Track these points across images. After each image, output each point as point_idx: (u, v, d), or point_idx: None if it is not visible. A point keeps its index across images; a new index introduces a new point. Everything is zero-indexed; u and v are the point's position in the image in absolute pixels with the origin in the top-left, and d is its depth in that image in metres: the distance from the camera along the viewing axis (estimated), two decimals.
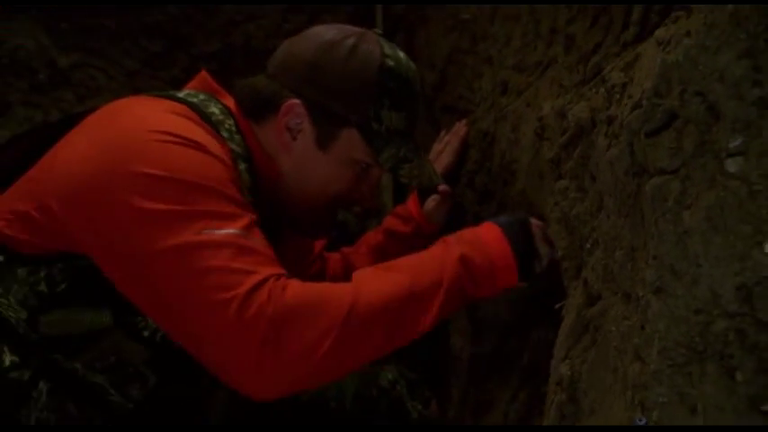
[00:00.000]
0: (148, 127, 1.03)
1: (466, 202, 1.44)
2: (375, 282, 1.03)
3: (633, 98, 0.78)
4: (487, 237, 1.09)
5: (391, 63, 1.17)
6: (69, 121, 1.13)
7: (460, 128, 1.49)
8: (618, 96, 0.83)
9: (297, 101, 1.15)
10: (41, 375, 1.06)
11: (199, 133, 1.06)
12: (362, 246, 1.53)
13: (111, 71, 1.91)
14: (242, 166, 1.12)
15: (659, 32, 0.76)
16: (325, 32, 1.20)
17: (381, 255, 1.45)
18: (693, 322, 0.68)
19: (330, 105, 1.16)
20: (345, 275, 1.35)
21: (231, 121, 1.14)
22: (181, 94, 1.14)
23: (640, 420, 0.73)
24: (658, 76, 0.73)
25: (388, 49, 1.19)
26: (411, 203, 1.49)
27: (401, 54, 1.21)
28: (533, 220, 1.10)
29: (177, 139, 1.02)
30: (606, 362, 0.83)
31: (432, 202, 1.45)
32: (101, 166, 1.01)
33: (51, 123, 1.22)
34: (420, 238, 1.44)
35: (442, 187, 1.44)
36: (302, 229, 1.27)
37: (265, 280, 0.97)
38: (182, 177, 0.99)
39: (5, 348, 1.04)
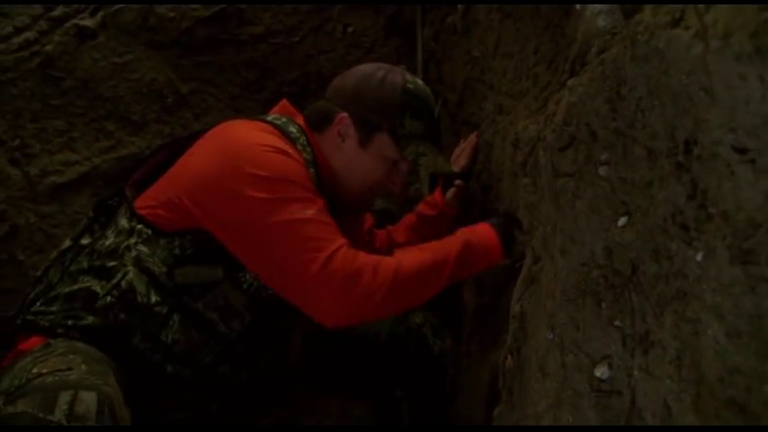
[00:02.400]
0: (250, 141, 1.23)
1: (474, 193, 1.58)
2: (410, 257, 1.24)
3: (554, 124, 0.97)
4: (484, 230, 1.30)
5: (411, 86, 1.38)
6: (194, 136, 1.34)
7: (473, 138, 1.62)
8: (549, 122, 1.01)
9: (345, 114, 1.36)
10: (175, 310, 1.24)
11: (283, 145, 1.26)
12: (401, 225, 1.68)
13: (219, 95, 2.04)
14: (311, 170, 1.30)
15: (570, 81, 0.94)
16: (364, 68, 1.41)
17: (414, 231, 1.63)
18: (580, 272, 0.87)
19: (368, 117, 1.36)
20: (389, 246, 1.56)
21: (304, 138, 1.34)
22: (269, 118, 1.35)
23: (549, 335, 0.95)
24: (565, 111, 0.93)
25: (408, 77, 1.40)
26: (436, 194, 1.65)
27: (419, 80, 1.42)
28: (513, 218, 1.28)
29: (270, 149, 1.22)
30: (540, 301, 1.02)
31: (450, 193, 1.61)
32: (220, 169, 1.21)
33: (182, 137, 1.42)
34: (442, 219, 1.61)
35: (458, 182, 1.59)
36: (351, 209, 1.44)
37: (340, 247, 1.18)
38: (277, 175, 1.19)
39: (152, 291, 1.22)
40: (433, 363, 1.53)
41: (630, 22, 0.77)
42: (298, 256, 1.16)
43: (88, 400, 1.02)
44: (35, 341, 1.19)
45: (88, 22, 1.93)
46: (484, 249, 1.27)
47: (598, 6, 0.87)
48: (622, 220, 0.81)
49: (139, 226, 1.25)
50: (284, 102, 1.45)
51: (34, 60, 1.91)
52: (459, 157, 1.65)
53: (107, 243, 1.27)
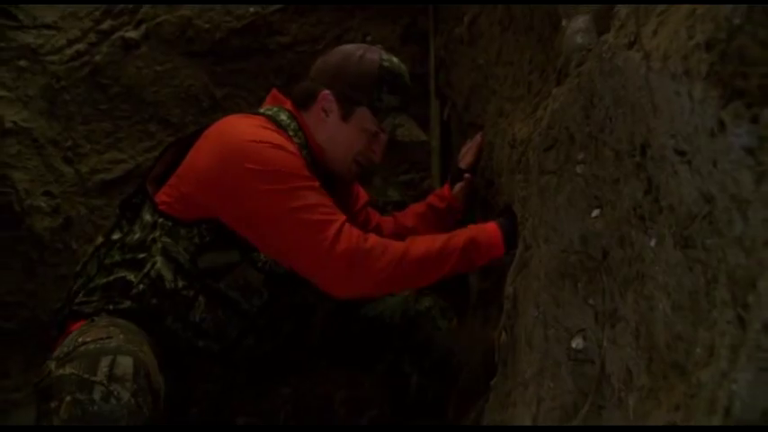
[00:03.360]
0: (247, 138, 1.29)
1: (479, 187, 1.63)
2: (419, 243, 1.30)
3: (541, 127, 1.04)
4: (491, 229, 1.34)
5: (387, 64, 1.43)
6: (199, 132, 1.40)
7: (478, 138, 1.66)
8: (538, 125, 1.08)
9: (328, 92, 1.42)
10: (200, 293, 1.32)
11: (277, 137, 1.32)
12: (409, 212, 1.72)
13: (250, 99, 2.10)
14: (304, 152, 1.37)
15: (554, 90, 1.01)
16: (344, 48, 1.48)
17: (421, 218, 1.68)
18: (560, 257, 0.94)
19: (349, 92, 1.42)
20: (394, 230, 1.63)
21: (294, 123, 1.40)
22: (262, 110, 1.42)
23: (535, 313, 1.02)
24: (549, 116, 1.00)
25: (385, 55, 1.45)
26: (446, 188, 1.70)
27: (395, 59, 1.47)
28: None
29: (266, 144, 1.28)
30: (529, 284, 1.07)
31: (458, 187, 1.67)
32: (221, 167, 1.27)
33: (189, 134, 1.47)
34: (449, 212, 1.67)
35: (467, 176, 1.65)
36: (340, 178, 1.49)
37: (342, 225, 1.24)
38: (275, 168, 1.26)
39: (179, 277, 1.30)
40: (441, 342, 1.58)
41: (600, 41, 0.84)
42: (305, 239, 1.24)
43: (125, 363, 1.12)
44: (82, 323, 1.28)
45: (132, 35, 2.03)
46: (487, 246, 1.33)
47: (577, 25, 0.94)
48: (595, 212, 0.88)
49: (161, 219, 1.32)
50: (274, 92, 1.51)
51: (84, 69, 2.02)
52: (466, 154, 1.70)
53: (135, 237, 1.34)
